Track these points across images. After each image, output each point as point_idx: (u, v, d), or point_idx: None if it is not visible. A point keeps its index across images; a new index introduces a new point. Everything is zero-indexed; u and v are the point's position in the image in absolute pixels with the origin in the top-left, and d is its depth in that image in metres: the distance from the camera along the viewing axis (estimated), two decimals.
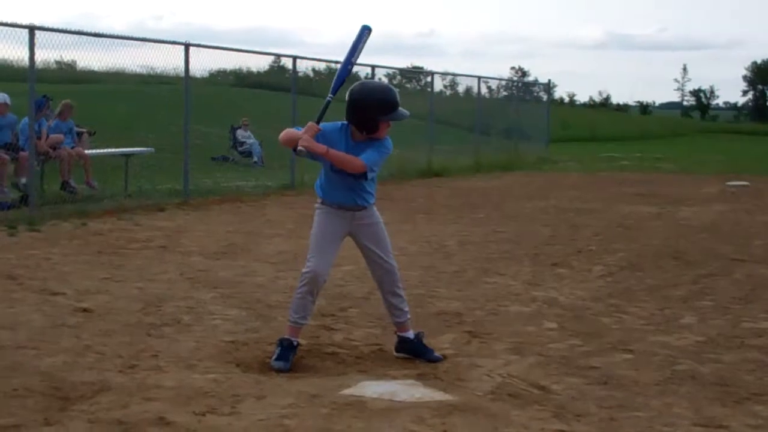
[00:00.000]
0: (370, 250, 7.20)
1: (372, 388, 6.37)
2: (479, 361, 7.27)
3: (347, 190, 7.02)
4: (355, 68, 28.33)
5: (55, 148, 17.50)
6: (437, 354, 7.33)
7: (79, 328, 8.08)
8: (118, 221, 15.42)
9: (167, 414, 5.78)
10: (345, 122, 6.99)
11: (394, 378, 6.73)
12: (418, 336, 7.36)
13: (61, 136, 17.79)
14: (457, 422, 5.75)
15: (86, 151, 18.82)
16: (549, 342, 7.97)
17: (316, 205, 7.18)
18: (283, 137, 6.98)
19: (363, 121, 6.88)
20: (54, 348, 7.35)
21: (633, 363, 7.32)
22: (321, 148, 6.77)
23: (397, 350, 7.39)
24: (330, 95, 6.99)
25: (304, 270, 7.05)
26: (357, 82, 7.08)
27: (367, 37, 7.24)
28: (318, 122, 6.88)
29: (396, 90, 7.07)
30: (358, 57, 7.20)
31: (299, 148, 6.75)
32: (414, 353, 7.30)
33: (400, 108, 6.97)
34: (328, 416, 5.79)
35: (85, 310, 8.78)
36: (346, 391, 6.31)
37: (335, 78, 7.06)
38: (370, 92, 6.93)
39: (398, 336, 7.39)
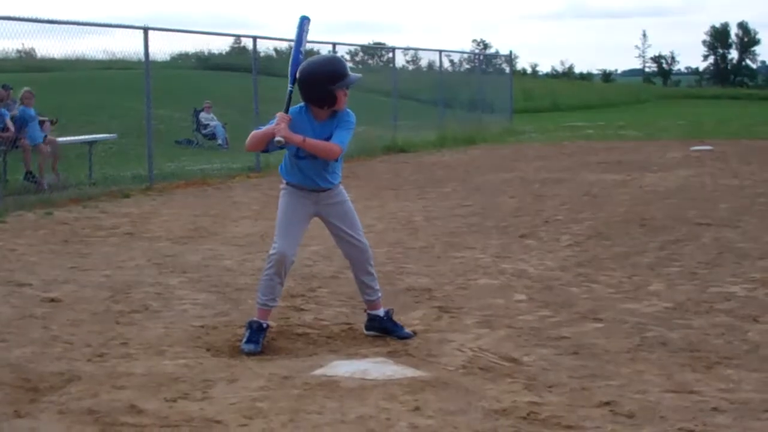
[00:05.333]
0: (340, 230, 7.17)
1: (343, 368, 6.36)
2: (450, 335, 7.28)
3: (312, 173, 6.99)
4: (316, 47, 28.34)
5: (18, 139, 17.40)
6: (407, 330, 7.32)
7: (47, 318, 8.02)
8: (83, 209, 15.32)
9: (138, 401, 5.75)
10: (302, 105, 6.97)
11: (365, 356, 6.72)
12: (387, 313, 7.36)
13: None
14: (429, 398, 5.75)
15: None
16: (519, 314, 7.99)
17: (281, 186, 7.15)
18: (250, 141, 6.96)
19: (320, 96, 6.84)
20: (22, 339, 7.30)
21: (603, 332, 7.34)
22: (298, 138, 6.76)
23: (367, 328, 7.39)
24: (290, 85, 6.97)
25: (270, 252, 7.02)
26: (302, 63, 7.00)
27: (308, 26, 7.22)
28: (286, 112, 6.87)
29: (340, 57, 7.04)
30: (304, 46, 7.18)
31: (278, 138, 6.72)
32: (384, 331, 7.29)
33: (350, 73, 6.96)
34: (300, 397, 5.78)
35: (52, 300, 8.72)
36: (318, 372, 6.30)
37: (290, 68, 7.02)
38: (317, 67, 6.89)
39: (368, 314, 7.38)
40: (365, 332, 7.38)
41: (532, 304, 8.35)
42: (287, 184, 7.11)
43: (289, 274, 7.26)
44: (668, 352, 6.73)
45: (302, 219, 7.11)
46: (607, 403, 5.63)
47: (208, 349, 7.02)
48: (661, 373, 6.25)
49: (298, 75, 6.88)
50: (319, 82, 6.80)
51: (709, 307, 8.12)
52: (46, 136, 18.38)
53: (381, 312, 7.34)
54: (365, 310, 7.43)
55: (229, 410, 5.58)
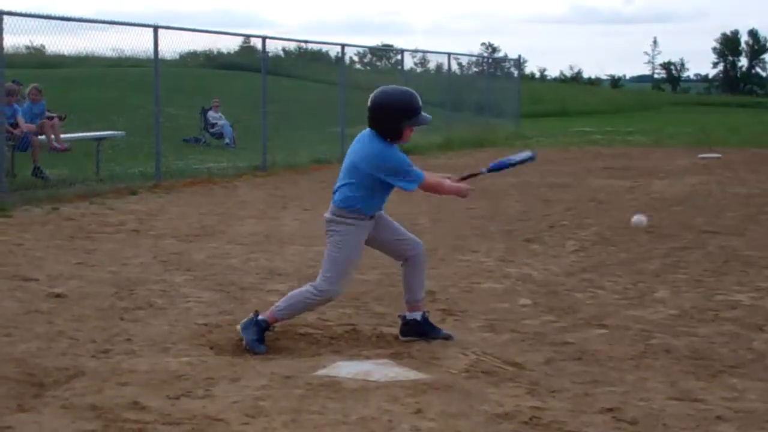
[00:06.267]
0: (392, 236, 7.18)
1: (346, 369, 6.36)
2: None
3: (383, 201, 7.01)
4: (326, 48, 28.19)
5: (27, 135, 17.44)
6: (446, 331, 7.28)
7: (52, 313, 8.03)
8: (90, 205, 15.32)
9: (141, 398, 5.76)
10: (367, 130, 6.86)
11: (368, 358, 6.72)
12: (424, 316, 7.25)
13: (32, 126, 17.65)
14: (431, 401, 5.75)
15: (60, 136, 18.75)
16: (523, 318, 7.98)
17: (349, 222, 6.86)
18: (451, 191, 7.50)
19: (387, 128, 6.73)
20: (27, 334, 7.31)
21: (607, 338, 7.33)
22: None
23: (404, 333, 7.23)
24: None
25: (325, 287, 6.87)
26: (377, 90, 6.86)
27: None
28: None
29: (416, 94, 6.87)
30: None
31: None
32: (421, 334, 7.18)
33: (422, 112, 6.82)
34: (302, 397, 5.78)
35: (58, 295, 8.73)
36: (320, 372, 6.31)
37: None
38: (392, 99, 6.76)
39: (405, 318, 7.24)
40: (401, 338, 7.23)
41: (536, 309, 8.35)
42: (362, 216, 6.90)
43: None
44: (673, 360, 6.72)
45: (362, 255, 7.11)
46: (610, 410, 5.62)
47: (211, 348, 7.02)
48: (665, 380, 6.24)
49: (370, 102, 6.77)
50: (393, 114, 6.70)
51: (714, 315, 8.11)
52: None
53: (418, 315, 7.24)
54: (401, 315, 7.31)
55: (232, 409, 5.58)
